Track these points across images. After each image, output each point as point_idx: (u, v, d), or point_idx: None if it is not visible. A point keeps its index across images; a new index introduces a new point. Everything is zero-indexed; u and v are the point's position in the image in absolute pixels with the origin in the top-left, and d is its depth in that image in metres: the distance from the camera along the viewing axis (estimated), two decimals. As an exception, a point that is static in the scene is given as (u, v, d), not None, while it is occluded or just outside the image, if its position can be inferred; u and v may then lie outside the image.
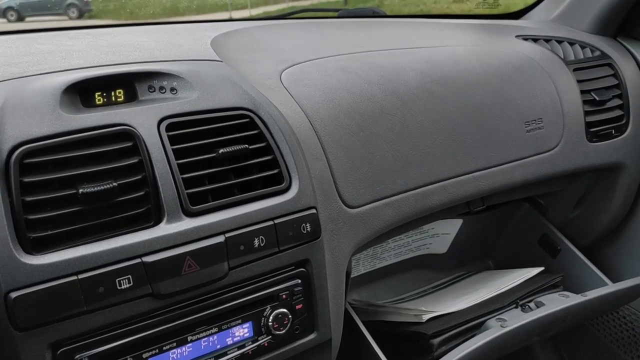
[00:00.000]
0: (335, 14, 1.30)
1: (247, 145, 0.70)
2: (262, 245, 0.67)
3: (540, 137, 1.05)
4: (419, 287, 1.26)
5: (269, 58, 0.91)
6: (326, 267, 0.76)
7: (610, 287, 1.04)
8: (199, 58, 0.79)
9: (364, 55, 0.97)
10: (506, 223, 1.28)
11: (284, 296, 0.70)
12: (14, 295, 0.54)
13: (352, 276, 1.04)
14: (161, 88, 0.71)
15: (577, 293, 1.04)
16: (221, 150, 0.68)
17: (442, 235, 1.22)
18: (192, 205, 0.65)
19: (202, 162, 0.68)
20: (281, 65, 0.89)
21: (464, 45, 1.09)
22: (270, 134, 0.73)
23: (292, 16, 1.23)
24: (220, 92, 0.73)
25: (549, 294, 1.07)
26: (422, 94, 0.94)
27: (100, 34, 0.91)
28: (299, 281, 0.72)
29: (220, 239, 0.65)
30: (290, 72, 0.88)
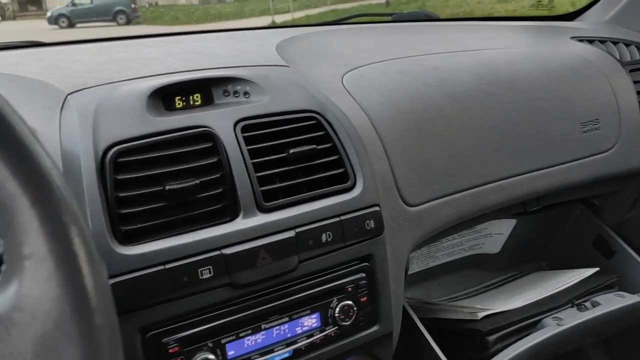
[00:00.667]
0: (389, 18, 1.33)
1: (315, 146, 0.74)
2: (329, 240, 0.71)
3: (597, 138, 1.05)
4: (472, 287, 1.27)
5: (330, 62, 0.95)
6: (388, 262, 0.79)
7: None
8: (267, 63, 0.84)
9: (420, 58, 1.00)
10: (560, 224, 1.28)
11: (349, 289, 0.74)
12: (109, 282, 0.60)
13: (408, 273, 1.06)
14: (235, 92, 0.76)
15: (634, 294, 1.04)
16: (292, 151, 0.72)
17: (496, 235, 1.24)
18: (266, 202, 0.69)
19: (274, 161, 0.72)
20: (342, 69, 0.93)
21: (519, 48, 1.10)
22: (336, 135, 0.77)
23: (348, 21, 1.26)
24: (289, 95, 0.77)
25: (604, 294, 1.07)
26: (478, 96, 0.96)
27: (172, 42, 0.97)
28: (364, 275, 0.75)
29: (291, 233, 0.69)
30: (351, 76, 0.92)
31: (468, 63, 1.01)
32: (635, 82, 1.11)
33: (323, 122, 0.77)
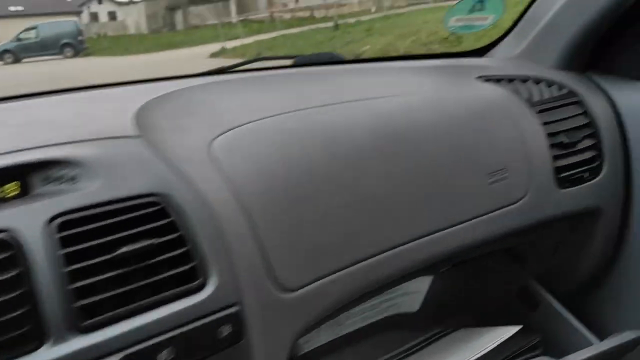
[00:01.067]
0: (291, 62, 1.23)
1: (153, 241, 0.61)
2: (170, 358, 0.59)
3: (505, 188, 0.96)
4: (393, 351, 1.16)
5: (202, 123, 0.82)
6: None
7: (594, 349, 0.95)
8: (113, 135, 0.71)
9: (310, 113, 0.89)
10: (482, 276, 1.19)
11: None
12: None
13: (314, 347, 0.94)
14: (58, 178, 0.63)
15: (559, 350, 0.95)
16: (123, 249, 0.60)
17: (412, 294, 1.13)
18: (84, 320, 0.56)
19: (99, 265, 0.59)
20: (214, 132, 0.81)
21: (419, 94, 1.01)
22: (185, 222, 0.65)
23: (243, 67, 1.15)
24: (128, 177, 0.65)
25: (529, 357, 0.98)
26: (373, 154, 0.86)
27: (19, 108, 0.83)
28: (219, 395, 0.63)
29: (115, 358, 0.56)
30: (224, 140, 0.80)
31: (362, 116, 0.91)
32: (545, 124, 1.03)
33: (168, 207, 0.65)
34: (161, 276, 0.61)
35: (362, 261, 0.82)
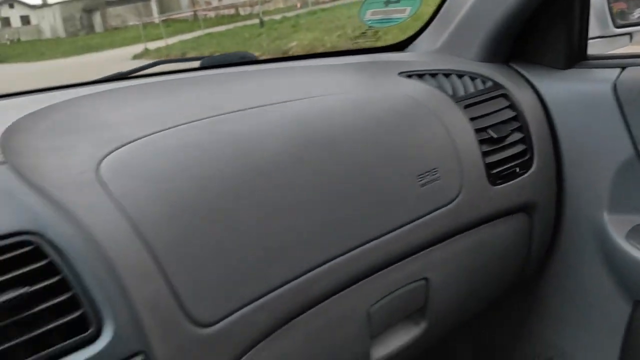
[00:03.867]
0: (197, 64, 1.13)
1: (26, 289, 0.51)
2: None
3: (437, 190, 0.91)
4: None
5: (88, 140, 0.71)
6: None
7: None
8: None
9: (217, 121, 0.80)
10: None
11: None
12: None
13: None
14: None
15: None
16: None
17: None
18: None
19: None
20: (103, 150, 0.70)
21: (339, 94, 0.94)
22: (67, 262, 0.54)
23: (143, 72, 1.04)
24: None
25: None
26: (289, 163, 0.78)
27: None
28: None
29: None
30: (114, 158, 0.69)
31: (277, 122, 0.83)
32: (472, 119, 0.99)
33: (44, 246, 0.54)
34: (44, 329, 0.51)
35: (290, 281, 0.74)
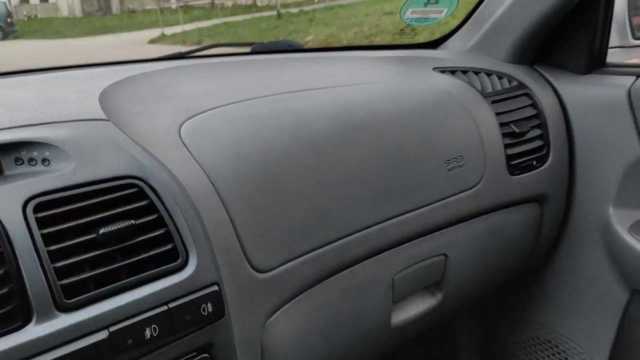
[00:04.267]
0: (248, 49, 1.23)
1: (133, 221, 0.62)
2: (155, 335, 0.59)
3: (462, 175, 1.01)
4: None
5: (168, 108, 0.82)
6: (236, 346, 0.69)
7: None
8: (81, 118, 0.71)
9: (275, 100, 0.91)
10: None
11: None
12: None
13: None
14: (31, 160, 0.63)
15: None
16: (102, 231, 0.60)
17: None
18: (67, 299, 0.56)
19: (80, 245, 0.59)
20: (181, 116, 0.81)
21: (380, 83, 1.05)
22: (163, 204, 0.65)
23: (200, 53, 1.15)
24: (102, 159, 0.65)
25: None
26: (337, 141, 0.89)
27: None
28: (201, 370, 0.64)
29: (102, 335, 0.56)
30: (192, 124, 0.80)
31: (326, 104, 0.93)
32: (497, 114, 1.09)
33: (146, 189, 0.65)
34: (142, 256, 0.62)
35: (331, 243, 0.84)
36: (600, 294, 1.17)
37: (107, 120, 0.71)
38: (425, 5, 1.21)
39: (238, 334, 0.70)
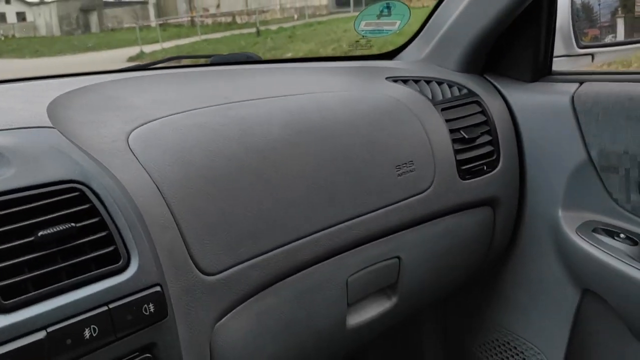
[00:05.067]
0: (208, 61, 1.26)
1: (73, 224, 0.63)
2: (94, 335, 0.61)
3: (413, 180, 1.04)
4: None
5: (117, 117, 0.84)
6: (181, 345, 0.70)
7: None
8: (25, 125, 0.72)
9: (225, 108, 0.93)
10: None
11: None
12: None
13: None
14: None
15: None
16: (41, 233, 0.61)
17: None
18: (5, 300, 0.57)
19: (20, 247, 0.60)
20: (130, 125, 0.83)
21: (333, 92, 1.08)
22: (105, 207, 0.67)
23: (159, 65, 1.17)
24: (44, 165, 0.66)
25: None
26: (286, 147, 0.91)
27: None
28: (143, 369, 0.65)
29: (40, 335, 0.57)
30: (140, 133, 0.82)
31: (276, 111, 0.96)
32: (447, 121, 1.12)
33: (87, 193, 0.67)
34: (82, 258, 0.63)
35: (280, 247, 0.86)
36: (554, 295, 1.20)
37: (53, 128, 0.73)
38: (379, 17, 1.25)
39: (184, 335, 0.71)
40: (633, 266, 1.00)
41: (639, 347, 1.08)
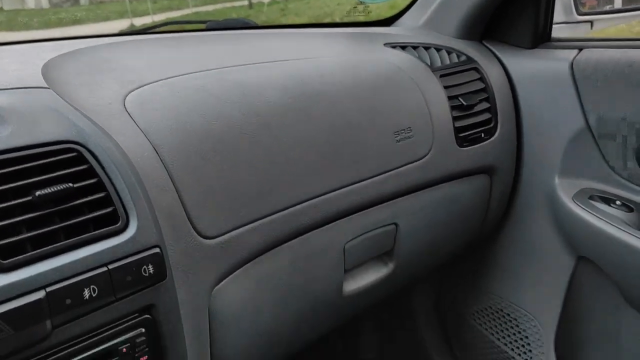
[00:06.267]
0: (204, 27, 1.24)
1: (71, 184, 0.62)
2: (94, 295, 0.60)
3: (411, 146, 1.04)
4: None
5: (113, 80, 0.83)
6: (181, 308, 0.70)
7: None
8: (20, 86, 0.71)
9: (223, 72, 0.92)
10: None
11: (124, 349, 0.63)
12: None
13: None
14: None
15: None
16: (38, 193, 0.60)
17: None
18: (3, 259, 0.57)
19: (17, 207, 0.60)
20: (127, 88, 0.81)
21: (331, 57, 1.06)
22: (103, 168, 0.66)
23: (154, 30, 1.15)
24: (40, 125, 0.65)
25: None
26: (285, 111, 0.90)
27: None
28: (142, 330, 0.65)
29: (39, 294, 0.57)
30: (137, 95, 0.81)
31: (275, 76, 0.94)
32: (445, 87, 1.11)
33: (85, 153, 0.65)
34: (81, 219, 0.63)
35: (279, 211, 0.86)
36: (548, 262, 1.21)
37: (48, 89, 0.72)
38: (377, -18, 1.23)
39: (183, 297, 0.71)
40: (628, 233, 1.01)
41: (632, 313, 1.09)
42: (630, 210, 1.05)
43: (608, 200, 1.08)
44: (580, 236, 1.12)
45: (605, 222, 1.04)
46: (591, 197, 1.10)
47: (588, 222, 1.07)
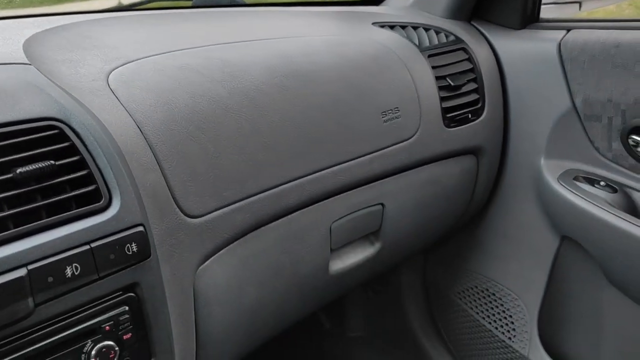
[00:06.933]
0: (189, 4, 1.22)
1: (52, 162, 0.62)
2: (76, 273, 0.60)
3: (398, 127, 1.04)
4: None
5: (96, 57, 0.82)
6: (165, 287, 0.70)
7: None
8: (1, 62, 0.70)
9: (209, 50, 0.91)
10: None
11: (107, 327, 0.63)
12: None
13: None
14: None
15: None
16: (19, 170, 0.60)
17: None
18: None
19: None
20: (110, 65, 0.80)
21: (319, 36, 1.05)
22: (85, 146, 0.65)
23: (140, 7, 1.13)
24: (21, 101, 0.64)
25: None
26: (272, 90, 0.89)
27: None
28: (126, 308, 0.65)
29: (21, 272, 0.57)
30: (120, 72, 0.80)
31: (261, 54, 0.94)
32: (433, 68, 1.11)
33: (67, 131, 0.65)
34: (63, 196, 0.62)
35: (265, 191, 0.86)
36: (533, 242, 1.22)
37: (29, 65, 0.71)
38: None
39: (167, 276, 0.71)
40: (612, 213, 1.02)
41: (614, 291, 1.10)
42: (614, 191, 1.06)
43: (592, 181, 1.09)
44: (564, 216, 1.13)
45: (589, 202, 1.05)
46: (576, 178, 1.11)
47: (572, 203, 1.08)
